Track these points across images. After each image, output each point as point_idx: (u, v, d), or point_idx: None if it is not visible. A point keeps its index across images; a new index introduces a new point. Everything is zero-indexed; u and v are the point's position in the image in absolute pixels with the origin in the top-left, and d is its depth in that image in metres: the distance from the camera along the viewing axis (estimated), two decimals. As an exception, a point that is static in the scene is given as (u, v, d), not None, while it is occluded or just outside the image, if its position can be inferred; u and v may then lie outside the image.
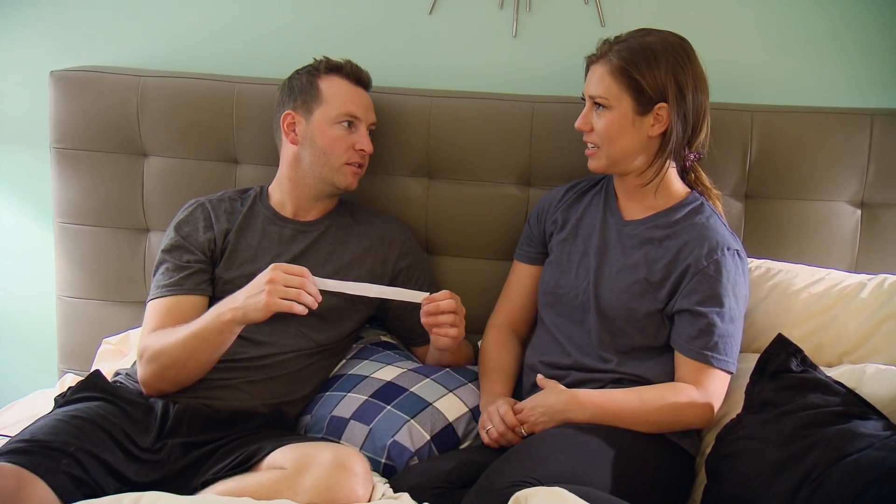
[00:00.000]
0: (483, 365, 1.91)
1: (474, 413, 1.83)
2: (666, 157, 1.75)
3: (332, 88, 1.89)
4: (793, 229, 2.00)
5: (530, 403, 1.72)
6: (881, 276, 1.84)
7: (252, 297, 1.64)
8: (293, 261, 1.88)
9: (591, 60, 1.77)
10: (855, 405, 1.58)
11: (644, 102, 1.71)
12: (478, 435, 1.80)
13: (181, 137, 2.15)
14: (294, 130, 1.90)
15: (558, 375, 1.79)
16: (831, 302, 1.83)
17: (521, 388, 1.88)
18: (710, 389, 1.69)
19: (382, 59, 2.15)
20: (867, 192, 1.97)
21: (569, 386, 1.75)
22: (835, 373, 1.69)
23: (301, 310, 1.63)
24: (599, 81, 1.73)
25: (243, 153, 2.15)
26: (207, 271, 1.86)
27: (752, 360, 1.72)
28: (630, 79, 1.70)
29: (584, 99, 1.78)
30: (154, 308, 1.82)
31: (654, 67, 1.69)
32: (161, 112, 2.15)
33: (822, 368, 1.68)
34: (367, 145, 1.90)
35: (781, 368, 1.66)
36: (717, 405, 1.70)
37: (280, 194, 1.96)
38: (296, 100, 1.91)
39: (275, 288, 1.62)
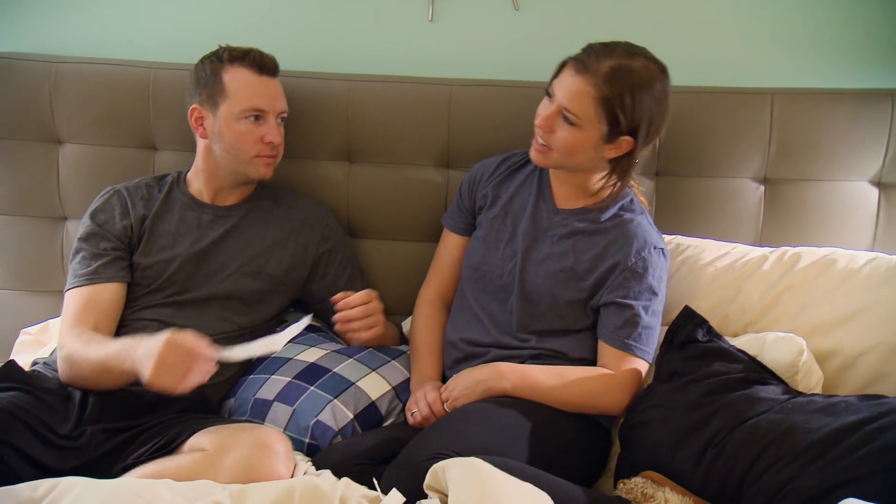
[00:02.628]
0: (414, 342, 1.95)
1: (397, 391, 1.87)
2: (616, 180, 1.77)
3: (236, 81, 1.86)
4: (700, 205, 2.07)
5: (454, 380, 1.77)
6: (782, 249, 1.92)
7: (143, 361, 1.54)
8: (212, 245, 1.90)
9: (574, 66, 1.70)
10: (756, 371, 1.67)
11: (614, 133, 1.70)
12: (401, 412, 1.85)
13: (97, 124, 2.14)
14: (202, 125, 1.90)
15: (478, 353, 1.85)
16: (736, 275, 1.90)
17: None
18: (629, 376, 1.75)
19: (300, 44, 2.17)
20: (769, 169, 2.05)
21: (489, 361, 1.80)
22: (738, 342, 1.77)
23: (183, 391, 1.53)
24: (579, 100, 1.68)
25: (161, 139, 2.15)
26: (125, 258, 1.87)
27: (663, 333, 1.80)
28: (611, 111, 1.67)
29: (548, 92, 1.73)
30: (72, 298, 1.82)
31: (636, 105, 1.67)
32: (75, 99, 2.13)
33: (727, 338, 1.77)
34: (275, 137, 1.88)
35: (688, 339, 1.74)
36: (632, 392, 1.76)
37: (197, 182, 1.96)
38: (201, 93, 1.89)
39: (160, 364, 1.51)
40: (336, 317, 1.80)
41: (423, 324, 1.96)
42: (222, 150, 1.89)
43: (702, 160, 2.06)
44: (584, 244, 1.81)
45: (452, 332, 1.92)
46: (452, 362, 1.89)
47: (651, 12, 2.10)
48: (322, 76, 2.12)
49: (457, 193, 2.01)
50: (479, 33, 2.16)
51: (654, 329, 1.78)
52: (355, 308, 1.80)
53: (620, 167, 1.76)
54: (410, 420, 1.78)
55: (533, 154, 1.78)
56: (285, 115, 1.94)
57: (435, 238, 2.06)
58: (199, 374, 1.54)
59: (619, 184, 1.78)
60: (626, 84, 1.66)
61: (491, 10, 2.14)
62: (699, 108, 2.04)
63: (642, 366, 1.77)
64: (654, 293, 1.77)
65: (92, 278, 1.82)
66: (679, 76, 2.03)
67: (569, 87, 1.69)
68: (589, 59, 1.69)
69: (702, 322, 1.75)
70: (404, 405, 1.85)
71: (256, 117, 1.86)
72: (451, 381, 1.78)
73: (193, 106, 1.90)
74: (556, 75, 1.74)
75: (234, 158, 1.89)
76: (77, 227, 1.97)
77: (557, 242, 1.82)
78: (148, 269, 1.85)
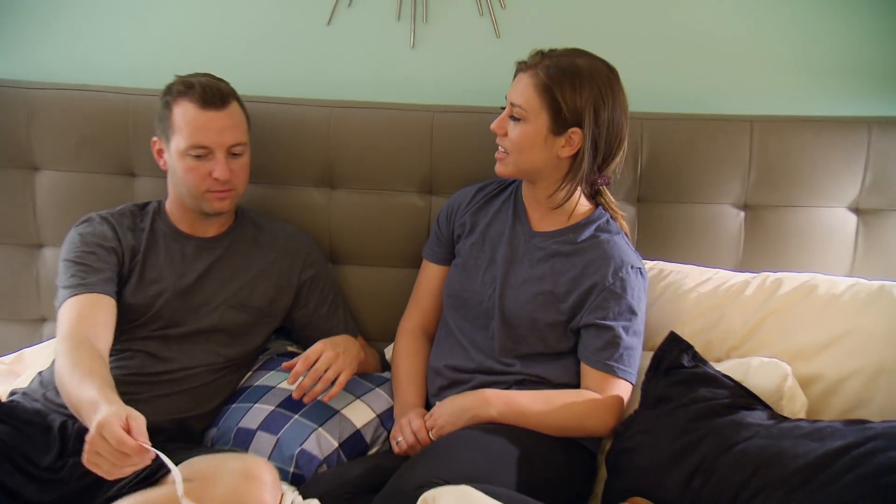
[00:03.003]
0: (395, 371, 1.94)
1: (382, 419, 1.86)
2: (575, 183, 1.78)
3: (181, 116, 1.81)
4: (682, 231, 2.08)
5: (439, 408, 1.76)
6: (764, 274, 1.94)
7: (92, 421, 1.42)
8: (198, 279, 1.87)
9: (520, 68, 1.77)
10: (742, 397, 1.68)
11: (560, 123, 1.73)
12: (386, 440, 1.84)
13: (74, 150, 2.13)
14: (162, 157, 1.89)
15: (463, 379, 1.84)
16: (719, 300, 1.91)
17: None
18: (613, 398, 1.75)
19: (281, 70, 2.17)
20: (749, 195, 2.07)
21: (474, 389, 1.80)
22: (723, 367, 1.77)
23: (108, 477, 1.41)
24: (523, 92, 1.74)
25: (140, 165, 2.13)
26: (115, 281, 1.82)
27: (647, 358, 1.80)
28: (551, 97, 1.71)
29: (505, 106, 1.79)
30: (67, 310, 1.72)
31: (576, 91, 1.71)
32: (53, 125, 2.12)
33: (711, 363, 1.77)
34: (222, 173, 1.81)
35: (674, 364, 1.74)
36: (619, 414, 1.76)
37: (175, 212, 1.93)
38: (158, 125, 1.88)
39: (91, 451, 1.39)
40: (294, 394, 1.76)
41: (405, 352, 1.96)
42: (178, 183, 1.87)
43: (683, 186, 2.07)
44: (561, 266, 1.81)
45: (436, 359, 1.91)
46: (437, 389, 1.88)
47: (631, 40, 2.13)
48: (303, 102, 2.11)
49: (434, 224, 2.02)
50: (461, 59, 2.17)
51: (636, 349, 1.79)
52: (306, 379, 1.75)
53: (574, 167, 1.77)
54: (395, 448, 1.77)
55: (496, 167, 1.81)
56: (239, 148, 1.86)
57: (417, 264, 2.05)
58: (130, 467, 1.40)
59: (569, 187, 1.78)
60: (565, 72, 1.71)
61: (472, 37, 2.16)
62: (680, 134, 2.06)
63: (626, 387, 1.77)
64: (634, 313, 1.78)
65: (90, 287, 1.75)
66: (659, 103, 2.09)
67: (515, 86, 1.76)
68: (534, 58, 1.76)
69: (687, 347, 1.76)
70: (389, 433, 1.83)
71: (200, 155, 1.81)
72: (435, 409, 1.78)
73: (154, 138, 1.90)
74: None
75: (188, 193, 1.86)
76: (54, 255, 1.94)
77: (535, 265, 1.83)
78: (136, 305, 1.82)
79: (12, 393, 1.82)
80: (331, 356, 1.76)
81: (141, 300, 1.82)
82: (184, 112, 1.81)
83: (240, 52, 2.18)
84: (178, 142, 1.82)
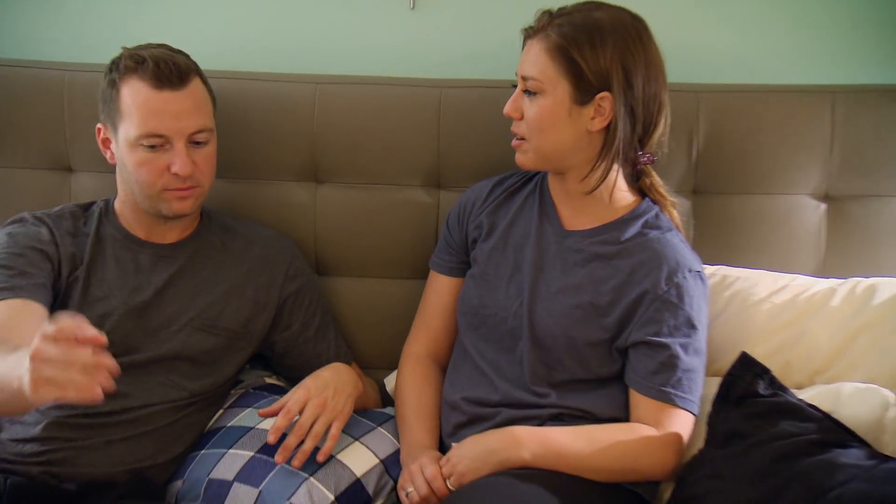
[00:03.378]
0: (401, 406, 1.92)
1: (387, 465, 1.84)
2: (611, 160, 1.77)
3: (131, 98, 1.78)
4: (748, 229, 2.08)
5: (458, 451, 1.74)
6: (853, 280, 1.93)
7: (24, 373, 1.31)
8: (155, 296, 1.86)
9: (528, 34, 1.78)
10: (833, 432, 1.65)
11: (584, 90, 1.73)
12: (393, 490, 1.82)
13: None
14: (108, 147, 1.86)
15: (486, 414, 1.82)
16: (798, 312, 1.90)
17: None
18: (672, 433, 1.73)
19: (257, 40, 2.17)
20: (831, 183, 2.07)
21: (499, 426, 1.77)
22: (807, 395, 1.76)
23: (74, 397, 1.29)
24: (534, 61, 1.75)
25: (79, 158, 2.13)
26: (48, 288, 1.78)
27: (712, 384, 1.79)
28: (569, 60, 1.72)
29: (514, 83, 1.80)
30: None
31: (598, 49, 1.71)
32: None
33: (792, 390, 1.76)
34: (182, 167, 1.78)
35: (747, 393, 1.72)
36: (679, 452, 1.74)
37: (126, 212, 1.91)
38: (103, 109, 1.84)
39: (38, 368, 1.28)
40: (277, 458, 1.72)
41: (412, 382, 1.94)
42: (128, 180, 1.85)
43: (749, 174, 2.07)
44: (602, 271, 1.80)
45: (452, 391, 1.90)
46: (453, 428, 1.86)
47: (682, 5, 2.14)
48: (282, 77, 2.11)
49: (444, 228, 2.01)
50: (474, 23, 2.17)
51: (698, 372, 1.77)
52: (290, 437, 1.72)
53: (608, 141, 1.76)
54: (405, 501, 1.74)
55: (516, 158, 1.81)
56: (203, 134, 1.83)
57: (423, 275, 2.04)
58: (93, 376, 1.28)
59: (605, 165, 1.77)
60: (582, 28, 1.72)
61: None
62: (745, 111, 2.06)
63: (687, 418, 1.76)
64: (694, 327, 1.76)
65: (15, 292, 1.71)
66: (716, 73, 2.08)
67: (525, 57, 1.77)
68: (541, 19, 1.77)
69: (763, 371, 1.74)
70: (396, 481, 1.81)
71: (154, 145, 1.78)
72: (453, 452, 1.75)
73: (98, 125, 1.86)
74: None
75: (141, 192, 1.83)
76: None
77: (570, 272, 1.82)
78: None
79: None
80: (317, 405, 1.73)
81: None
82: (134, 93, 1.78)
83: (204, 17, 2.17)
84: (127, 129, 1.79)
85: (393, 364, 2.02)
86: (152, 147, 1.79)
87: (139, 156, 1.79)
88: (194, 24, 2.15)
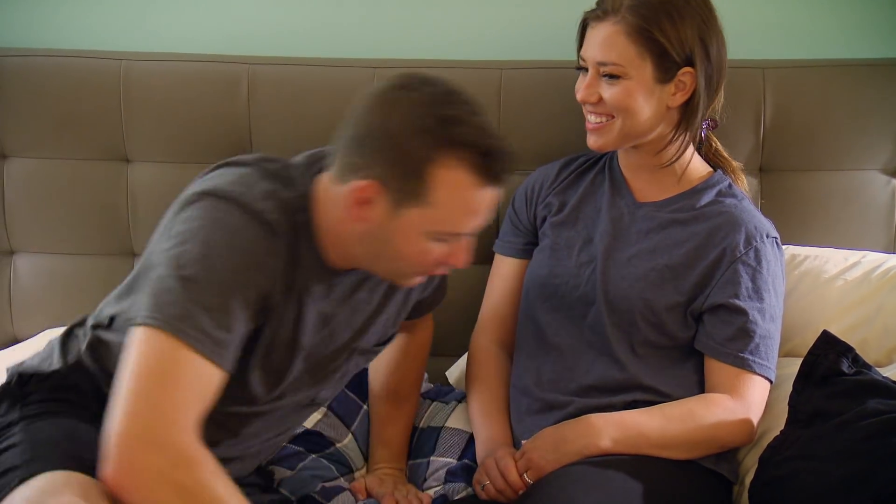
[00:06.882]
0: (475, 401, 1.89)
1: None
2: (691, 134, 1.77)
3: (448, 189, 1.41)
4: (817, 206, 2.07)
5: (533, 443, 1.72)
6: (929, 255, 1.92)
7: None
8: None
9: (595, 16, 1.75)
10: (923, 409, 1.64)
11: (666, 68, 1.71)
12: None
13: (52, 132, 2.13)
14: (367, 207, 1.44)
15: (559, 403, 1.79)
16: (872, 289, 1.88)
17: None
18: (749, 400, 1.72)
19: (314, 29, 2.16)
20: (903, 158, 2.06)
21: (573, 416, 1.75)
22: (890, 373, 1.73)
23: None
24: (611, 45, 1.72)
25: (136, 149, 2.13)
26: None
27: (786, 364, 1.78)
28: (651, 40, 1.70)
29: (580, 66, 1.77)
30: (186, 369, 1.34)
31: (678, 26, 1.70)
32: (23, 101, 2.12)
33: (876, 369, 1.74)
34: (462, 261, 1.52)
35: (831, 372, 1.69)
36: (757, 418, 1.73)
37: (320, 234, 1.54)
38: (389, 172, 1.42)
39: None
40: None
41: (484, 376, 1.92)
42: (379, 250, 1.51)
43: (817, 151, 2.06)
44: (678, 235, 1.79)
45: (519, 376, 1.87)
46: (523, 414, 1.84)
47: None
48: (340, 63, 2.10)
49: (509, 209, 1.99)
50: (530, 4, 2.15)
51: (774, 338, 1.76)
52: None
53: (687, 115, 1.76)
54: (481, 494, 1.73)
55: (591, 141, 1.79)
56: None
57: (485, 260, 2.01)
58: None
59: (683, 138, 1.77)
60: (657, 5, 1.70)
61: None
62: (812, 86, 2.05)
63: (763, 385, 1.74)
64: (771, 292, 1.75)
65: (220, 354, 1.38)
66: (782, 48, 2.06)
67: (593, 41, 1.74)
68: (605, 3, 1.74)
69: (846, 350, 1.71)
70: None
71: (446, 240, 1.49)
72: (527, 445, 1.73)
73: (368, 182, 1.42)
74: (580, 44, 1.78)
75: (390, 268, 1.55)
76: (26, 261, 1.98)
77: (645, 238, 1.81)
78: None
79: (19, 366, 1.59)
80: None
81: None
82: (455, 183, 1.42)
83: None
84: (424, 218, 1.44)
85: (458, 350, 2.03)
86: (443, 240, 1.50)
87: (425, 245, 1.48)
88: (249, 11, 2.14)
